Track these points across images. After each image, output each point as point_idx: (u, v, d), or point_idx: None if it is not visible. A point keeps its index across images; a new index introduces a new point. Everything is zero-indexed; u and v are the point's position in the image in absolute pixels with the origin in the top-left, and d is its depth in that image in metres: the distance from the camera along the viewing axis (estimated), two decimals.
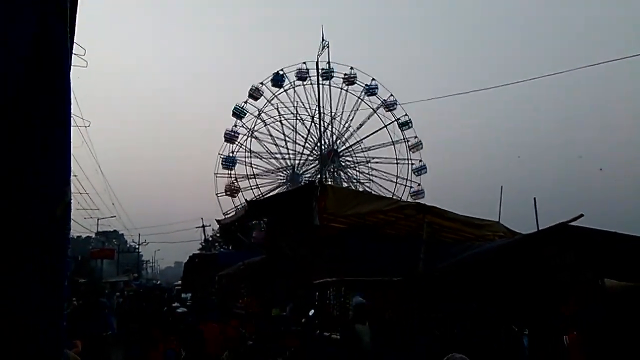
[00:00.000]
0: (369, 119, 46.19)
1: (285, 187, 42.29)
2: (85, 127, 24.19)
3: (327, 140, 45.30)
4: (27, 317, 1.02)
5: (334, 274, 8.31)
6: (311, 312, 9.32)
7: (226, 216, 30.69)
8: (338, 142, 46.34)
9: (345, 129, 46.42)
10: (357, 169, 46.87)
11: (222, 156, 44.07)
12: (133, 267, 62.03)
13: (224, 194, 43.52)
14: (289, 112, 45.93)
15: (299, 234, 8.45)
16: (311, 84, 44.99)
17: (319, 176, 41.46)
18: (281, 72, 44.96)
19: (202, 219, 52.93)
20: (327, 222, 7.62)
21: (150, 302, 18.57)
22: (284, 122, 46.06)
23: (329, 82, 45.01)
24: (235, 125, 44.53)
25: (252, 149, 45.02)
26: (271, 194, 38.12)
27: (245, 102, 44.79)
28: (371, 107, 45.88)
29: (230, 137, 44.22)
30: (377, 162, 46.63)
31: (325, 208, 7.11)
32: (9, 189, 1.01)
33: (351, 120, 46.32)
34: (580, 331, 5.59)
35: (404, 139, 45.57)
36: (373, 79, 45.47)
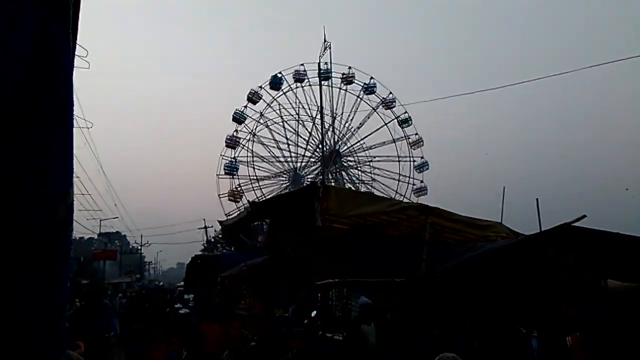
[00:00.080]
0: (369, 117, 46.33)
1: (287, 189, 42.30)
2: (88, 128, 24.32)
3: (328, 141, 45.33)
4: (27, 317, 1.02)
5: (336, 275, 8.30)
6: (313, 313, 9.32)
7: (228, 217, 30.71)
8: (340, 142, 46.37)
9: (346, 129, 46.49)
10: (359, 169, 46.89)
11: (224, 157, 44.21)
12: (135, 268, 62.15)
13: (227, 196, 43.64)
14: (290, 115, 46.02)
15: (301, 235, 8.43)
16: (310, 85, 45.10)
17: (321, 177, 41.48)
18: (279, 75, 45.03)
19: (204, 220, 52.97)
20: (329, 223, 7.60)
21: (153, 303, 18.62)
22: (286, 125, 46.15)
23: (328, 83, 45.10)
24: (236, 131, 44.63)
25: (254, 152, 45.14)
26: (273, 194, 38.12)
27: (245, 106, 44.86)
28: (370, 106, 45.98)
29: (232, 143, 44.28)
30: (379, 161, 46.72)
31: (327, 209, 7.09)
32: (9, 188, 1.01)
33: (351, 120, 46.44)
34: (582, 332, 5.57)
35: (404, 136, 45.61)
36: (371, 78, 45.59)
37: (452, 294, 6.79)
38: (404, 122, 45.44)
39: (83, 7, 1.27)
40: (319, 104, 44.13)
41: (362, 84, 45.56)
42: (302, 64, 44.86)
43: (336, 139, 46.08)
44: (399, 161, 45.67)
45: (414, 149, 45.57)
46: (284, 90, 45.47)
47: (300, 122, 46.00)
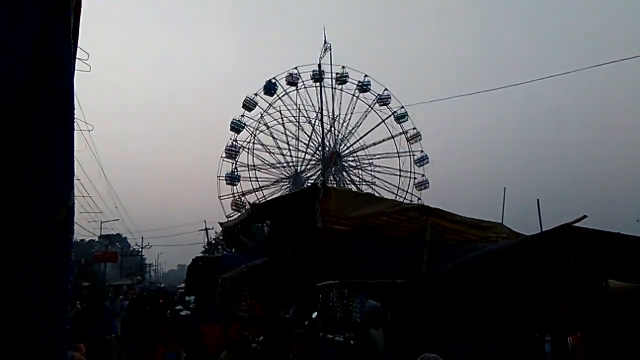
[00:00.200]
0: (366, 116, 46.39)
1: (288, 191, 42.35)
2: (89, 130, 24.33)
3: (328, 143, 45.38)
4: (27, 317, 1.02)
5: (337, 276, 8.29)
6: (314, 315, 9.30)
7: (229, 219, 30.72)
8: (340, 143, 46.43)
9: (345, 129, 46.58)
10: (360, 167, 46.94)
11: (224, 159, 44.22)
12: (136, 270, 62.22)
13: (230, 205, 43.69)
14: (287, 119, 46.08)
15: (302, 237, 8.42)
16: (305, 87, 45.16)
17: (322, 179, 41.47)
18: (273, 81, 45.01)
19: (205, 222, 52.98)
20: (329, 225, 7.60)
21: (155, 305, 18.63)
22: (284, 129, 46.22)
23: (322, 84, 45.09)
24: (235, 140, 44.66)
25: (254, 160, 45.17)
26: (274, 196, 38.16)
27: (242, 115, 44.89)
28: (367, 104, 46.10)
29: (231, 153, 44.32)
30: (379, 158, 46.80)
31: (327, 210, 7.09)
32: (9, 188, 1.01)
33: (349, 119, 46.52)
34: (583, 332, 5.56)
35: (402, 131, 45.70)
36: (365, 75, 45.69)
37: (452, 294, 6.78)
38: (401, 118, 45.51)
39: (84, 11, 1.27)
40: (317, 106, 44.26)
41: (356, 83, 45.71)
42: (295, 67, 44.99)
43: (336, 140, 46.17)
44: (398, 156, 45.74)
45: (412, 143, 45.68)
46: (279, 95, 45.50)
47: (299, 125, 46.11)
